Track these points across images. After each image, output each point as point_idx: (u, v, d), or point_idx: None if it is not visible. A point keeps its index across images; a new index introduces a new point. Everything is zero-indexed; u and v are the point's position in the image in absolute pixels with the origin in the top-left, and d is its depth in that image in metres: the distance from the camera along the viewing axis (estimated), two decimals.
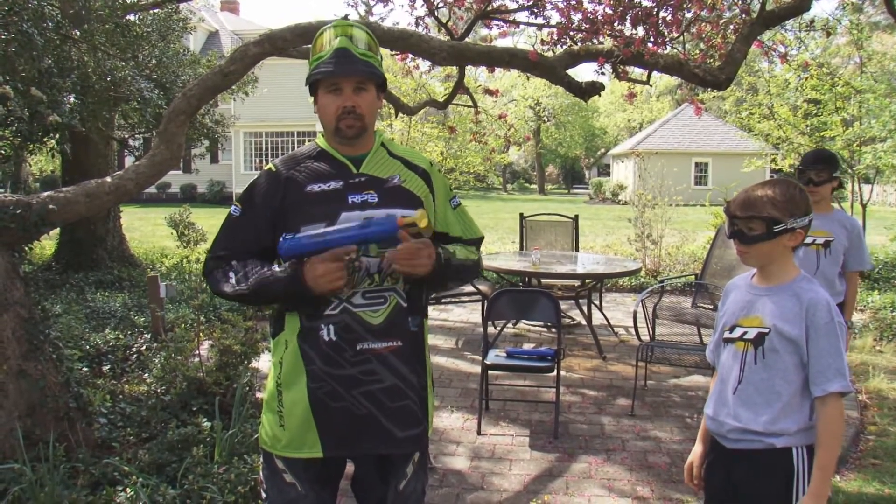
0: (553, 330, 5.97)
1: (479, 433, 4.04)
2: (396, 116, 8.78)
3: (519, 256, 6.62)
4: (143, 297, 6.68)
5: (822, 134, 9.44)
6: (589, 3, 5.09)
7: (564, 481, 3.44)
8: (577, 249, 7.10)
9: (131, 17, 7.30)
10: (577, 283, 6.15)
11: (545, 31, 5.45)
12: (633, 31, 4.94)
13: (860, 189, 9.54)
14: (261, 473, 1.88)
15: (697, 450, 2.05)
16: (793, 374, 1.80)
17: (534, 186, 47.86)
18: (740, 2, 5.11)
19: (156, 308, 5.62)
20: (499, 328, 6.17)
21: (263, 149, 28.30)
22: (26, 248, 3.42)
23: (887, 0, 5.73)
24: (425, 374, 1.84)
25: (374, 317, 1.73)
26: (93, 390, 3.94)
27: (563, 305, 5.73)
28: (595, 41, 5.05)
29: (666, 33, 4.93)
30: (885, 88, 8.94)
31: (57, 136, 6.09)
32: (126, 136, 9.74)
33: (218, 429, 3.29)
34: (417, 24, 5.68)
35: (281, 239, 1.69)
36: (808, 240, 2.99)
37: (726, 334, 1.93)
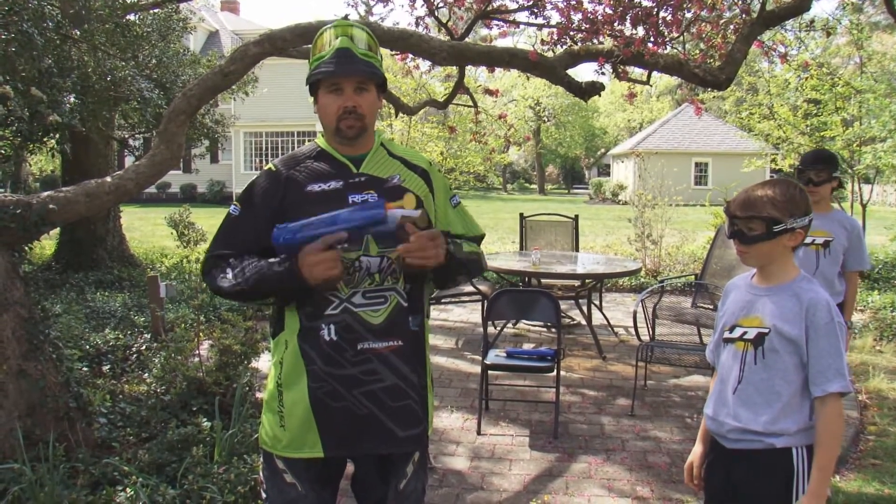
0: (553, 330, 5.97)
1: (478, 433, 4.04)
2: (396, 116, 8.78)
3: (519, 256, 6.62)
4: (143, 297, 6.68)
5: (822, 134, 9.44)
6: (589, 3, 5.09)
7: (564, 481, 3.44)
8: (577, 249, 7.10)
9: (131, 17, 7.30)
10: (577, 283, 6.15)
11: (545, 31, 5.45)
12: (633, 31, 4.94)
13: (860, 189, 9.54)
14: (261, 473, 1.88)
15: (697, 450, 2.05)
16: (793, 374, 1.80)
17: (534, 186, 47.87)
18: (740, 2, 5.11)
19: (156, 308, 5.62)
20: (499, 328, 6.17)
21: (263, 149, 28.31)
22: (26, 248, 3.42)
23: (887, 0, 5.73)
24: (426, 373, 1.84)
25: (375, 316, 1.73)
26: (93, 390, 3.94)
27: (563, 305, 5.73)
28: (595, 41, 5.05)
29: (666, 33, 4.93)
30: (885, 88, 8.94)
31: (57, 135, 6.09)
32: (126, 136, 9.74)
33: (218, 429, 3.29)
34: (417, 24, 5.69)
35: (275, 229, 1.70)
36: (808, 240, 2.99)
37: (726, 334, 1.93)
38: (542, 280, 6.20)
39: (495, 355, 4.23)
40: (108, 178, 3.69)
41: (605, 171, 48.71)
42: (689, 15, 5.03)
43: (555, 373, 4.11)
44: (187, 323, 5.53)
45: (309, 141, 1.95)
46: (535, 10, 5.34)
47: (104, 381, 4.36)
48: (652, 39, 4.83)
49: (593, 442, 3.94)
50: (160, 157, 3.85)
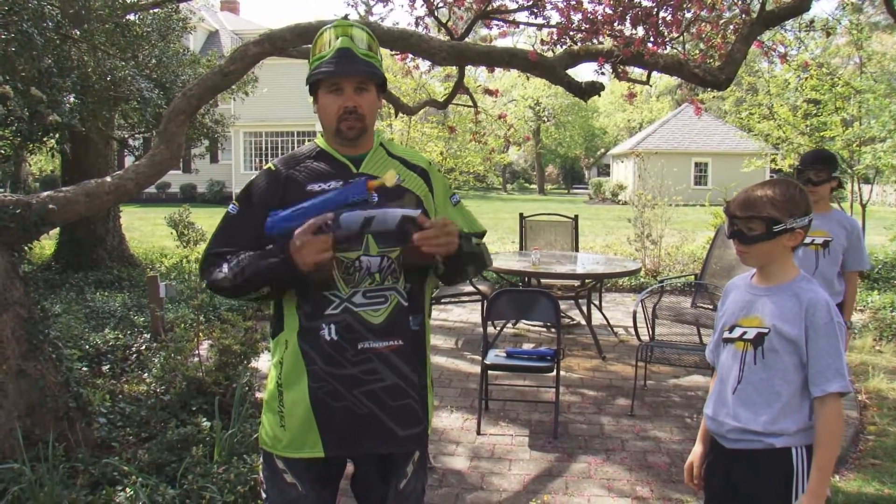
0: (553, 330, 5.97)
1: (478, 433, 4.04)
2: (396, 116, 8.78)
3: (519, 256, 6.62)
4: (143, 297, 6.68)
5: (821, 134, 9.44)
6: (589, 3, 5.09)
7: (564, 481, 3.44)
8: (576, 249, 7.10)
9: (131, 17, 7.30)
10: (576, 283, 6.15)
11: (545, 31, 5.45)
12: (633, 31, 4.94)
13: (860, 189, 9.54)
14: (261, 474, 1.88)
15: (697, 450, 2.05)
16: (792, 374, 1.80)
17: (533, 186, 47.87)
18: (740, 2, 5.12)
19: (155, 308, 5.62)
20: (498, 328, 6.17)
21: (263, 149, 28.30)
22: (26, 248, 3.42)
23: (887, 0, 5.74)
24: (426, 372, 1.84)
25: (375, 316, 1.73)
26: (92, 390, 3.95)
27: (563, 305, 5.73)
28: (595, 41, 5.05)
29: (666, 33, 4.93)
30: (885, 88, 8.95)
31: (57, 135, 6.09)
32: (126, 136, 9.74)
33: (217, 428, 3.29)
34: (417, 24, 5.68)
35: (268, 218, 1.71)
36: (807, 240, 2.99)
37: (726, 334, 1.93)
38: (542, 280, 6.20)
39: (495, 355, 4.23)
40: (108, 178, 3.69)
41: (604, 171, 48.71)
42: (688, 15, 5.03)
43: (554, 373, 4.11)
44: (187, 323, 5.53)
45: (309, 141, 1.95)
46: (535, 10, 5.34)
47: (104, 380, 4.36)
48: (652, 39, 4.83)
49: (593, 442, 3.94)
50: (160, 156, 3.85)
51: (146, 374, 4.54)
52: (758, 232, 1.82)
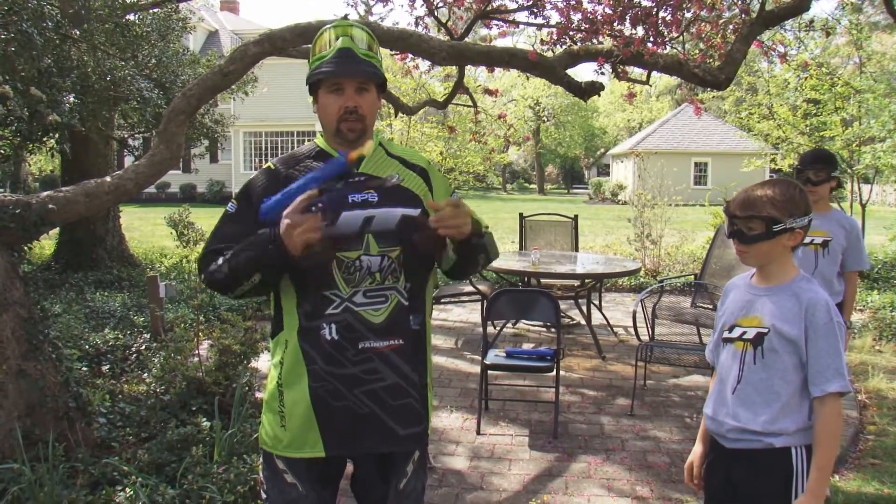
0: (552, 330, 5.97)
1: (478, 433, 4.04)
2: (396, 116, 8.78)
3: (518, 256, 6.62)
4: (143, 297, 6.68)
5: (821, 134, 9.44)
6: (588, 3, 5.09)
7: (564, 481, 3.45)
8: (576, 249, 7.10)
9: (131, 17, 7.31)
10: (576, 282, 6.15)
11: (545, 30, 5.45)
12: (633, 31, 4.94)
13: (859, 189, 9.55)
14: (261, 474, 1.88)
15: (697, 450, 2.05)
16: (792, 374, 1.80)
17: (533, 186, 47.87)
18: (740, 2, 5.12)
19: (155, 308, 5.62)
20: (498, 328, 6.17)
21: (263, 148, 28.30)
22: (26, 248, 3.42)
23: (886, 0, 5.74)
24: (426, 372, 1.84)
25: (376, 315, 1.73)
26: (92, 390, 3.94)
27: (563, 305, 5.73)
28: (595, 41, 5.05)
29: (665, 33, 4.93)
30: (885, 88, 8.95)
31: (56, 135, 6.09)
32: (126, 136, 9.74)
33: (217, 428, 3.29)
34: (417, 24, 5.69)
35: (262, 204, 1.71)
36: (807, 239, 2.99)
37: (725, 334, 1.93)
38: (542, 280, 6.20)
39: (495, 355, 4.23)
40: (108, 178, 3.68)
41: (604, 170, 48.72)
42: (688, 15, 5.04)
43: (554, 373, 4.11)
44: (187, 323, 5.53)
45: (308, 141, 1.95)
46: (535, 10, 5.34)
47: (104, 380, 4.36)
48: (651, 39, 4.83)
49: (593, 442, 3.94)
50: (160, 156, 3.84)
51: (146, 374, 4.54)
52: (757, 231, 1.82)
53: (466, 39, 5.66)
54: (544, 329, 6.50)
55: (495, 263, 5.99)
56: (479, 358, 4.33)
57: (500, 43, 10.68)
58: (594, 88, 5.07)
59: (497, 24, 5.92)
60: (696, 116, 9.33)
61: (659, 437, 4.00)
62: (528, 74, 5.43)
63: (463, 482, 3.42)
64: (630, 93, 5.88)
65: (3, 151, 5.95)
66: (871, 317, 6.85)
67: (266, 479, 1.84)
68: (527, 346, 5.83)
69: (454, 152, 11.63)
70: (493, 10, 5.60)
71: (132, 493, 2.80)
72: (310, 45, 1.90)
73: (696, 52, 5.26)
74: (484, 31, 6.42)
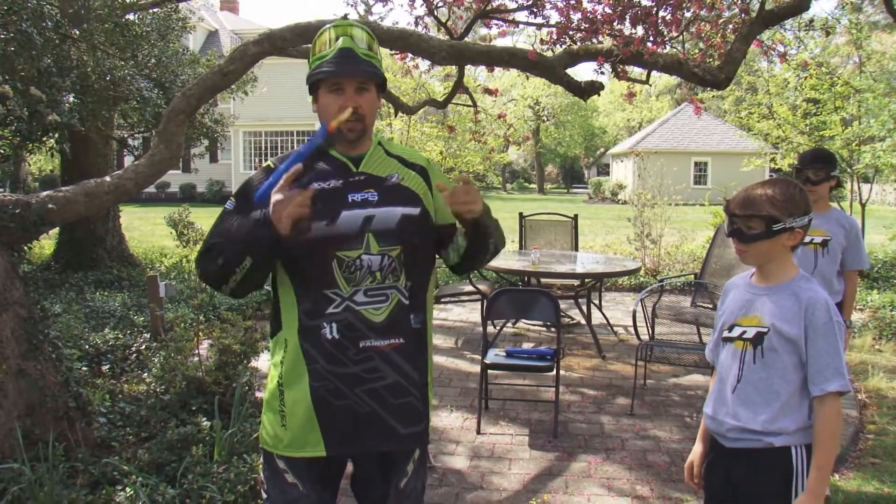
0: (552, 329, 5.97)
1: (478, 432, 4.04)
2: (396, 116, 8.79)
3: (518, 256, 6.62)
4: (143, 297, 6.68)
5: (821, 133, 9.44)
6: (588, 2, 5.10)
7: (564, 480, 3.45)
8: (576, 249, 7.10)
9: (130, 17, 7.31)
10: (576, 282, 6.15)
11: (544, 30, 5.46)
12: (633, 31, 4.94)
13: (859, 188, 9.55)
14: (261, 474, 1.88)
15: (697, 449, 2.05)
16: (791, 373, 1.80)
17: (533, 186, 47.87)
18: (739, 1, 5.12)
19: (155, 307, 5.62)
20: (498, 327, 6.18)
21: (263, 148, 28.30)
22: (25, 248, 3.42)
23: (886, 0, 5.74)
24: (427, 370, 1.84)
25: (377, 314, 1.73)
26: (92, 390, 3.94)
27: (563, 305, 5.73)
28: (594, 41, 5.05)
29: (665, 33, 4.93)
30: (884, 88, 8.95)
31: (56, 135, 6.10)
32: (125, 136, 9.74)
33: (217, 428, 3.29)
34: (417, 24, 5.69)
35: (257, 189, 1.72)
36: (806, 239, 2.99)
37: (725, 333, 1.93)
38: (542, 279, 6.20)
39: (495, 354, 4.23)
40: (108, 178, 3.68)
41: (604, 170, 48.73)
42: (688, 14, 5.04)
43: (554, 372, 4.11)
44: (187, 322, 5.53)
45: (308, 140, 1.95)
46: (535, 10, 5.34)
47: (104, 380, 4.36)
48: (651, 39, 4.83)
49: (593, 441, 3.94)
50: (159, 156, 3.84)
51: (146, 374, 4.54)
52: (757, 231, 1.82)
53: (466, 39, 5.66)
54: (544, 328, 6.50)
55: (495, 263, 6.01)
56: (479, 357, 4.33)
57: (500, 42, 10.69)
58: (594, 88, 5.07)
59: (497, 24, 5.92)
60: (696, 116, 9.33)
61: (659, 437, 4.00)
62: (527, 74, 5.43)
63: (463, 481, 3.42)
64: (630, 92, 5.88)
65: (2, 151, 5.95)
66: (870, 316, 6.85)
67: (267, 478, 1.84)
68: (527, 346, 5.83)
69: (454, 152, 11.64)
70: (493, 10, 5.60)
71: (132, 492, 2.80)
72: (309, 45, 1.90)
73: (696, 51, 5.26)
74: (484, 31, 6.42)
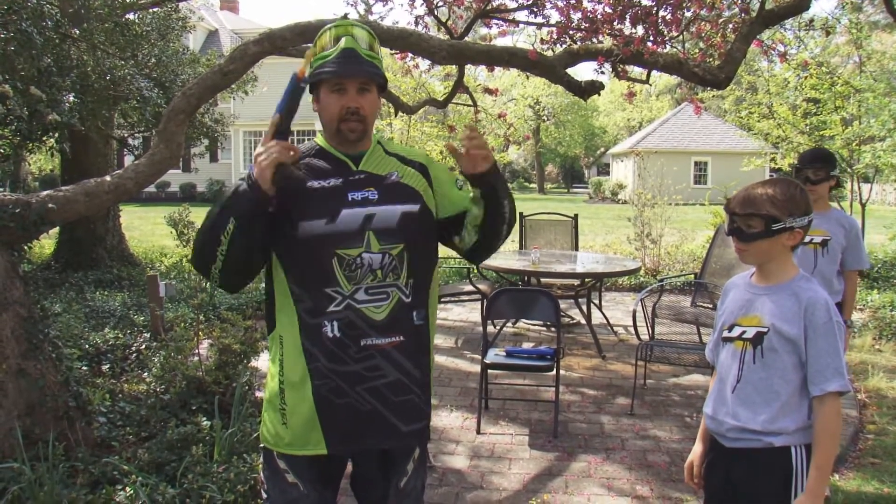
0: (552, 329, 5.97)
1: (478, 432, 4.04)
2: (396, 115, 8.78)
3: (518, 255, 6.62)
4: (143, 296, 6.68)
5: (821, 133, 9.44)
6: (588, 2, 5.09)
7: (564, 480, 3.45)
8: (576, 248, 7.10)
9: (130, 16, 7.31)
10: (576, 282, 6.15)
11: (545, 30, 5.45)
12: (633, 31, 4.94)
13: (859, 188, 9.55)
14: (261, 473, 1.88)
15: (697, 449, 2.05)
16: (791, 373, 1.80)
17: (533, 185, 47.88)
18: (739, 1, 5.11)
19: (155, 307, 5.62)
20: (498, 327, 6.18)
21: None
22: (25, 247, 3.41)
23: (886, 0, 5.73)
24: (428, 368, 1.84)
25: (378, 312, 1.73)
26: (92, 389, 3.94)
27: (563, 304, 5.73)
28: (595, 40, 5.04)
29: (665, 32, 4.93)
30: (885, 87, 8.95)
31: (56, 134, 6.10)
32: (125, 135, 9.74)
33: (217, 428, 3.29)
34: (417, 23, 5.69)
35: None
36: (806, 239, 2.99)
37: (725, 333, 1.93)
38: (542, 279, 6.20)
39: (495, 354, 4.23)
40: (108, 178, 3.68)
41: (604, 170, 48.73)
42: (688, 14, 5.03)
43: (554, 372, 4.11)
44: (187, 322, 5.53)
45: (308, 140, 1.95)
46: (535, 10, 5.34)
47: (104, 380, 4.36)
48: (651, 38, 4.83)
49: (593, 441, 3.94)
50: (159, 156, 3.84)
51: (146, 374, 4.54)
52: (756, 230, 1.82)
53: (466, 38, 5.66)
54: (544, 328, 6.50)
55: (495, 262, 6.01)
56: (479, 357, 4.33)
57: (500, 42, 10.69)
58: (594, 88, 5.07)
59: (497, 24, 5.91)
60: (696, 116, 9.33)
61: (659, 437, 4.00)
62: (527, 73, 5.43)
63: (463, 481, 3.42)
64: (630, 92, 5.87)
65: (2, 151, 5.95)
66: (870, 316, 6.85)
67: (267, 478, 1.84)
68: (527, 346, 5.83)
69: None
70: (493, 9, 5.60)
71: (132, 492, 2.80)
72: (310, 45, 1.90)
73: (696, 51, 5.26)
74: (484, 31, 6.41)
